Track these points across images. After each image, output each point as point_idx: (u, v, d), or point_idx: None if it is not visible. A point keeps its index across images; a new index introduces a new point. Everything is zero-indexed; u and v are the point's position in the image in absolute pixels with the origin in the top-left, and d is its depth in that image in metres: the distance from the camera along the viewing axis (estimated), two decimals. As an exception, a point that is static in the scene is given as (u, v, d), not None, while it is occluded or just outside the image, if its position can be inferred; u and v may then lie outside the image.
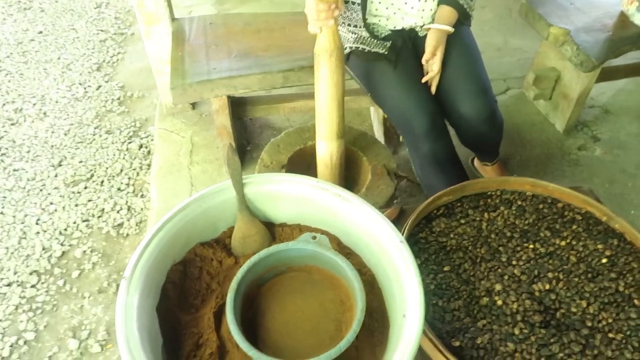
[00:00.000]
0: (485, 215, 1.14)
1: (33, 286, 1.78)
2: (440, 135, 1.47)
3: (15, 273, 1.81)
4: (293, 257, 0.93)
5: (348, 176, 1.55)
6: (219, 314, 0.90)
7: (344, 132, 1.28)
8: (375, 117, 2.12)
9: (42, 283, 1.79)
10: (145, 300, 0.83)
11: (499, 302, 0.97)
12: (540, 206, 1.16)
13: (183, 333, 0.87)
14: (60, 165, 2.23)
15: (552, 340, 0.90)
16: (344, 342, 0.77)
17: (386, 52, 1.48)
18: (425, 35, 1.53)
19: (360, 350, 0.86)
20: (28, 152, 2.30)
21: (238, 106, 1.98)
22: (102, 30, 3.16)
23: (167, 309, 0.88)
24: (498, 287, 0.99)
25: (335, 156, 1.30)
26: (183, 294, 0.92)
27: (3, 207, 2.04)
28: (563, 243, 1.07)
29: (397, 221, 1.06)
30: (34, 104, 2.58)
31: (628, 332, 0.92)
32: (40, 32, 3.12)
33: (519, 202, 1.17)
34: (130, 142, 2.33)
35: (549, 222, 1.12)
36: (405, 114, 1.46)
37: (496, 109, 1.51)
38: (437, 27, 1.46)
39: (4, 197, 2.08)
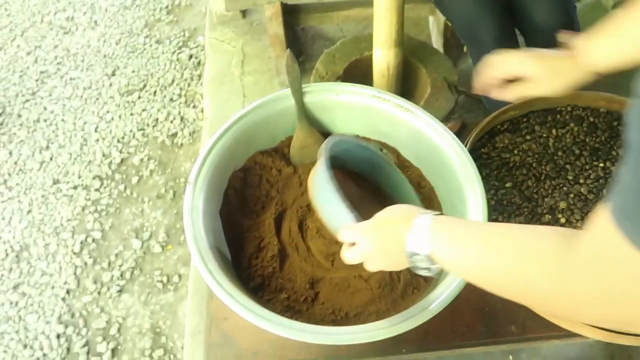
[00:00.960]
0: (553, 131, 1.08)
1: (97, 190, 1.88)
2: (510, 45, 1.36)
3: (79, 177, 1.92)
4: (353, 158, 0.91)
5: (405, 88, 1.49)
6: (279, 220, 0.92)
7: (402, 40, 1.21)
8: (435, 26, 1.99)
9: (105, 187, 1.89)
10: (209, 204, 0.86)
11: (562, 220, 0.94)
12: (615, 123, 1.08)
13: (245, 237, 0.90)
14: (114, 75, 2.26)
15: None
16: None
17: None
18: None
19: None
20: (82, 61, 2.33)
21: (291, 14, 1.90)
22: None
23: (230, 213, 0.91)
24: (562, 205, 0.96)
25: (393, 65, 1.24)
26: (244, 200, 0.95)
27: (64, 115, 2.12)
28: (637, 163, 1.01)
29: (459, 135, 1.02)
30: (85, 12, 2.57)
31: None
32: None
33: (591, 119, 1.09)
34: (180, 53, 2.31)
35: (622, 140, 1.05)
36: (472, 20, 1.35)
37: (575, 17, 1.37)
38: None
39: (64, 104, 2.15)
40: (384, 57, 1.22)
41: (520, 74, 0.87)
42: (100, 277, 1.67)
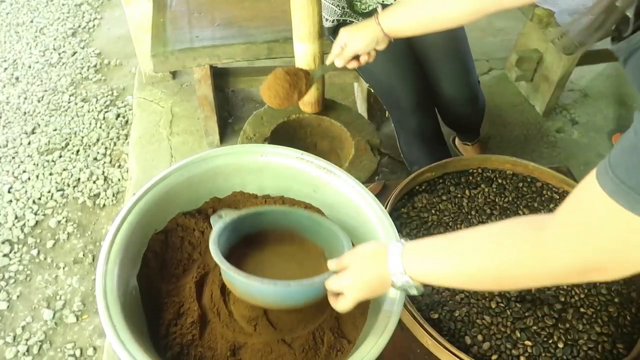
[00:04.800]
0: (467, 192, 1.15)
1: (5, 255, 1.74)
2: (427, 111, 1.47)
3: (-14, 241, 1.76)
4: (270, 221, 0.92)
5: (331, 149, 1.54)
6: (201, 284, 0.89)
7: (322, 31, 1.29)
8: (359, 93, 2.11)
9: (15, 252, 1.75)
10: (125, 269, 0.82)
11: (478, 277, 0.99)
12: (520, 185, 1.18)
13: (164, 302, 0.86)
14: (33, 133, 2.17)
15: (526, 314, 0.93)
16: (323, 275, 0.75)
17: (373, 26, 1.46)
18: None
19: (341, 322, 0.87)
20: (-1, 118, 2.22)
21: (220, 77, 1.94)
22: (77, -6, 3.04)
23: (148, 277, 0.87)
24: (477, 262, 1.01)
25: (318, 57, 1.30)
26: (164, 263, 0.91)
27: (-27, 174, 1.97)
28: (541, 221, 1.10)
29: (380, 196, 1.06)
30: (5, 69, 2.48)
31: (598, 307, 0.95)
32: (12, -7, 2.98)
33: (500, 180, 1.18)
34: (107, 111, 2.27)
35: (527, 200, 1.14)
36: (393, 88, 1.46)
37: (479, 91, 1.52)
38: None
39: (-26, 163, 2.01)
40: (309, 51, 1.28)
41: (344, 41, 1.16)
42: (3, 354, 1.50)
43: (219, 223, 0.83)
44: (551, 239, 0.53)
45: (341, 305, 0.73)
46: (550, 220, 0.54)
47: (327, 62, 1.21)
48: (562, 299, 0.96)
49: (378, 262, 0.69)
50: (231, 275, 0.75)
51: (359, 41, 1.13)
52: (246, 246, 0.89)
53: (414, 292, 0.68)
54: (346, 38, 1.15)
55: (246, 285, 0.75)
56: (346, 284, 0.71)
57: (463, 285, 0.66)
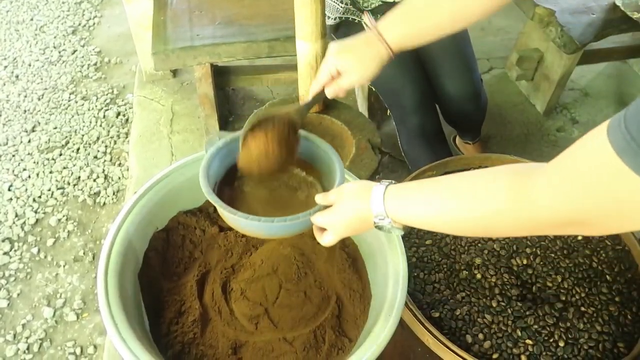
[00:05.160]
0: (468, 191, 1.15)
1: (6, 253, 1.73)
2: (429, 109, 1.47)
3: (-14, 240, 1.76)
4: None
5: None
6: (202, 282, 0.90)
7: (325, 31, 1.27)
8: (360, 92, 2.11)
9: (15, 250, 1.75)
10: (127, 267, 0.82)
11: (478, 276, 0.99)
12: (521, 184, 1.17)
13: (165, 300, 0.86)
14: (33, 131, 2.16)
15: (527, 312, 0.93)
16: (308, 211, 0.75)
17: (375, 24, 1.46)
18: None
19: (342, 320, 0.87)
20: (-1, 116, 2.22)
21: (221, 75, 1.94)
22: (77, -8, 3.03)
23: (149, 276, 0.87)
24: (478, 261, 1.01)
25: (320, 56, 1.29)
26: (165, 262, 0.91)
27: (-27, 172, 1.97)
28: (541, 220, 1.10)
29: (381, 195, 1.06)
30: (5, 67, 2.48)
31: (599, 306, 0.96)
32: (12, -9, 2.98)
33: (501, 179, 1.18)
34: (107, 110, 2.26)
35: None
36: (395, 86, 1.45)
37: (481, 89, 1.52)
38: None
39: (-26, 161, 2.01)
40: (311, 50, 1.27)
41: (339, 69, 0.90)
42: (4, 352, 1.50)
43: (210, 150, 0.83)
44: (539, 186, 0.51)
45: (325, 240, 0.75)
46: (540, 168, 0.52)
47: (310, 93, 0.95)
48: (563, 298, 0.96)
49: (361, 202, 0.69)
50: (219, 208, 0.76)
51: (360, 71, 0.89)
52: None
53: (396, 233, 0.70)
54: (341, 64, 0.88)
55: (234, 219, 0.76)
56: (330, 221, 0.73)
57: (444, 229, 0.65)
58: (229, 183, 0.86)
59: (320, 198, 0.76)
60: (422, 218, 0.64)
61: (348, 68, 0.89)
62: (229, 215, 0.75)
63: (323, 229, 0.76)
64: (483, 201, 0.57)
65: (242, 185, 0.87)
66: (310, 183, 0.89)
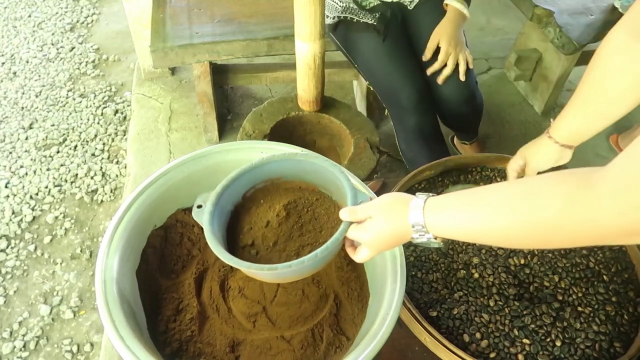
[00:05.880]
0: (466, 190, 1.15)
1: (2, 251, 1.73)
2: (427, 109, 1.47)
3: (-17, 237, 1.76)
4: (275, 170, 0.85)
5: (331, 147, 1.54)
6: (200, 280, 0.90)
7: (324, 31, 1.27)
8: (358, 91, 2.11)
9: (12, 248, 1.74)
10: (125, 264, 0.82)
11: (476, 275, 0.99)
12: (519, 183, 1.18)
13: (163, 298, 0.86)
14: (31, 128, 2.16)
15: (525, 312, 0.93)
16: (335, 236, 0.71)
17: (375, 23, 1.46)
18: (414, 9, 1.51)
19: (339, 319, 0.87)
20: (-4, 112, 2.21)
21: (219, 73, 1.94)
22: (75, -11, 3.02)
23: (147, 273, 0.87)
24: (475, 260, 1.01)
25: (319, 57, 1.29)
26: (164, 259, 0.91)
27: (-30, 169, 1.96)
28: (539, 220, 1.10)
29: (379, 194, 1.06)
30: (3, 63, 2.47)
31: (596, 306, 0.96)
32: (9, -13, 2.97)
33: (499, 179, 1.19)
34: (105, 107, 2.26)
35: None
36: (393, 86, 1.45)
37: (476, 91, 1.52)
38: (452, 3, 1.44)
39: (-29, 158, 2.00)
40: (309, 50, 1.27)
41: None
42: (0, 349, 1.50)
43: (205, 216, 0.76)
44: (602, 192, 0.48)
45: (360, 257, 0.73)
46: (598, 172, 0.49)
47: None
48: (560, 298, 0.97)
49: (399, 217, 0.66)
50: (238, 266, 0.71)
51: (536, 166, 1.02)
52: (248, 203, 0.84)
53: (434, 246, 0.68)
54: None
55: (254, 274, 0.73)
56: (364, 237, 0.70)
57: (489, 240, 0.62)
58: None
59: (346, 214, 0.72)
60: (466, 226, 0.61)
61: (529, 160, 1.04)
62: (250, 271, 0.71)
63: (354, 244, 0.74)
64: (536, 209, 0.53)
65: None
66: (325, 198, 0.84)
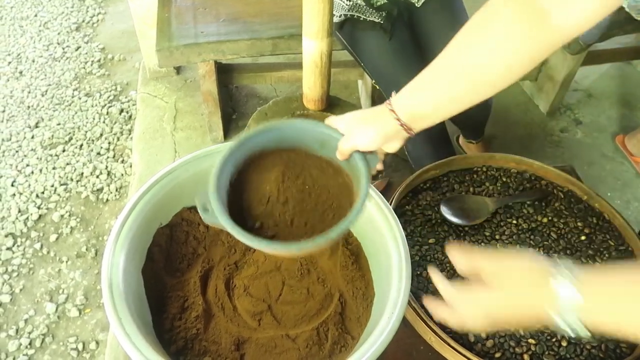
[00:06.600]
0: (471, 190, 1.15)
1: (9, 249, 1.74)
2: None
3: (-10, 235, 1.77)
4: (284, 138, 0.82)
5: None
6: (205, 278, 0.90)
7: (332, 30, 1.27)
8: (363, 90, 2.11)
9: (18, 246, 1.76)
10: (130, 262, 0.82)
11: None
12: (524, 183, 1.17)
13: (169, 296, 0.86)
14: (37, 127, 2.17)
15: (530, 312, 0.93)
16: (347, 218, 0.70)
17: (382, 22, 1.46)
18: (422, 7, 1.51)
19: (345, 318, 0.87)
20: (3, 111, 2.22)
21: (224, 73, 1.94)
22: (81, -11, 3.04)
23: (153, 271, 0.87)
24: (481, 260, 1.01)
25: (326, 55, 1.29)
26: (169, 258, 0.91)
27: (-23, 168, 1.98)
28: (545, 220, 1.10)
29: (384, 193, 1.06)
30: (9, 62, 2.48)
31: (602, 307, 0.95)
32: (16, -13, 2.99)
33: (504, 179, 1.18)
34: (110, 106, 2.27)
35: (531, 200, 1.14)
36: (399, 85, 1.45)
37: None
38: None
39: (-22, 157, 2.02)
40: (317, 48, 1.26)
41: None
42: (6, 346, 1.51)
43: (219, 217, 0.71)
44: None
45: (465, 326, 0.59)
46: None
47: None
48: (566, 298, 0.96)
49: (537, 291, 0.53)
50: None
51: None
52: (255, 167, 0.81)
53: (583, 335, 0.55)
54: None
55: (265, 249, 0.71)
56: (488, 302, 0.57)
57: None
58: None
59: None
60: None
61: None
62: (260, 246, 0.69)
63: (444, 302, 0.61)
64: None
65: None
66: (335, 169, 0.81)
